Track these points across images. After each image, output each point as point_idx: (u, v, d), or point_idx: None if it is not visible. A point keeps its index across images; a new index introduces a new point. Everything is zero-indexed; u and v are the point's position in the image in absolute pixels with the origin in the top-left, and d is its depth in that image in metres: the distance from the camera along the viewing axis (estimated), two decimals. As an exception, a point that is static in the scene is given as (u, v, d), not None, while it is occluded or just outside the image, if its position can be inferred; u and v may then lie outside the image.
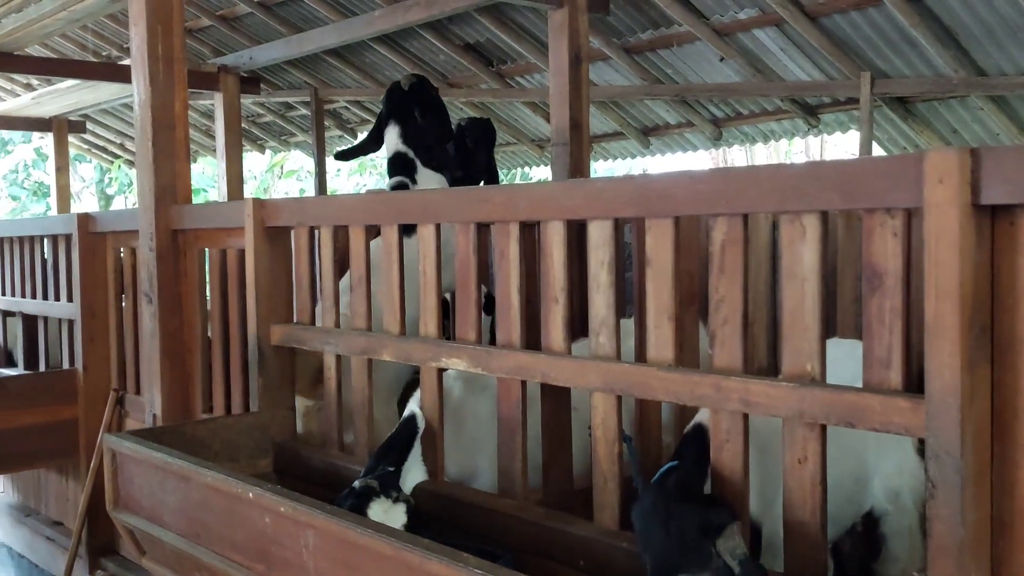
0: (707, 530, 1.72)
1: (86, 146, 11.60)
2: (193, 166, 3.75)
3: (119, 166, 12.30)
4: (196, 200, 3.77)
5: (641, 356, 2.80)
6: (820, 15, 5.32)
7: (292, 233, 3.13)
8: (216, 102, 7.93)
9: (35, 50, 7.86)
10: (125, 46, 8.41)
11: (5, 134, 14.94)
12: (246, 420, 3.13)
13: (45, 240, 4.58)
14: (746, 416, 1.91)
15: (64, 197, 10.21)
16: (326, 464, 2.94)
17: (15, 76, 9.74)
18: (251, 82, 8.21)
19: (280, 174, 14.66)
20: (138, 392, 3.99)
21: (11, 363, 4.99)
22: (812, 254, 1.79)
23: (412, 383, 3.77)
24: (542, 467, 2.57)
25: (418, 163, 3.91)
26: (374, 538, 1.85)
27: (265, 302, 3.17)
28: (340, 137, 9.72)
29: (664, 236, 2.02)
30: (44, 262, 4.61)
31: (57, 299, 4.47)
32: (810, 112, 6.45)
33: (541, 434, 2.55)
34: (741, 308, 1.91)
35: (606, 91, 6.83)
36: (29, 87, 9.75)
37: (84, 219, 4.13)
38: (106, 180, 14.77)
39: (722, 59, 6.01)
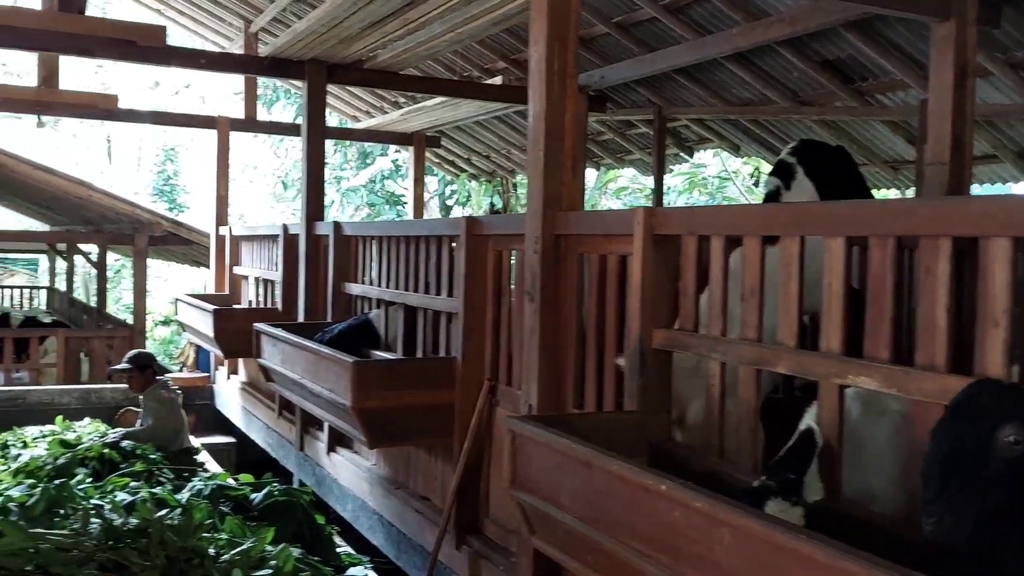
0: None
1: (436, 160, 12.65)
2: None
3: (463, 180, 13.28)
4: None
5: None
6: None
7: (681, 241, 3.20)
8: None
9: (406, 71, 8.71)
10: (486, 66, 9.07)
11: (367, 146, 16.71)
12: (625, 418, 3.23)
13: (430, 240, 5.04)
14: None
15: (418, 206, 11.23)
16: (705, 469, 2.95)
17: (384, 94, 10.87)
18: (598, 100, 8.53)
19: (609, 191, 15.05)
20: (509, 383, 4.26)
21: (389, 349, 5.54)
22: None
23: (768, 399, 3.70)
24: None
25: (800, 170, 3.82)
26: (806, 543, 1.82)
27: (649, 306, 3.26)
28: (676, 155, 9.80)
29: None
30: (427, 260, 5.07)
31: (439, 294, 4.90)
32: None
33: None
34: None
35: (982, 109, 6.30)
36: (396, 105, 10.82)
37: (470, 222, 4.48)
38: (447, 192, 15.99)
39: None
